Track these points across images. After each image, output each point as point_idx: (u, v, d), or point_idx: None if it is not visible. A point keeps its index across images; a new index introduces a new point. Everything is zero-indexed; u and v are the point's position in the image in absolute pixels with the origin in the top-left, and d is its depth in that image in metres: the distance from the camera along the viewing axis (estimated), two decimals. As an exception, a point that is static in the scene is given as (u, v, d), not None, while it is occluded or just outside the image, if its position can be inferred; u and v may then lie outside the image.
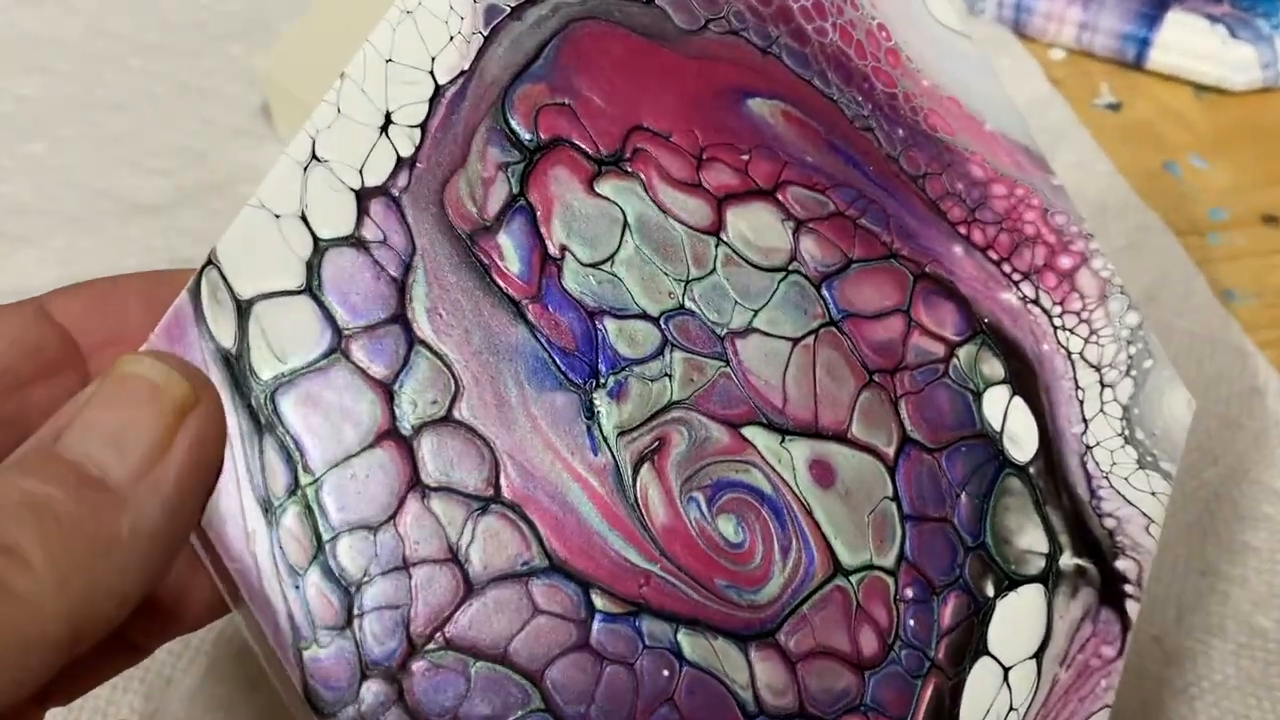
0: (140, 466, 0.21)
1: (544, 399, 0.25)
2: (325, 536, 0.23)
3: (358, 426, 0.24)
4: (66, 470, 0.21)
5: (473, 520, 0.24)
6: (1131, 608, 0.30)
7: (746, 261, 0.28)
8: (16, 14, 0.63)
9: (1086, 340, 0.32)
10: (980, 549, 0.29)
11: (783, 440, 0.28)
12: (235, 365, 0.23)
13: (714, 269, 0.28)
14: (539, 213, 0.26)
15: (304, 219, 0.24)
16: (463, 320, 0.25)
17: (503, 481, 0.25)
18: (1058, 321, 0.32)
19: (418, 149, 0.25)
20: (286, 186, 0.24)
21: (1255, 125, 0.61)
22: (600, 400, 0.26)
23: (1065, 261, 0.32)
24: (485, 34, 0.26)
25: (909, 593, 0.28)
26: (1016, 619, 0.29)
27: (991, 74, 0.33)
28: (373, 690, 0.23)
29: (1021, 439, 0.30)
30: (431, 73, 0.26)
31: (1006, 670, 0.29)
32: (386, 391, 0.24)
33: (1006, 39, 0.64)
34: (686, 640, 0.26)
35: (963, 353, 0.30)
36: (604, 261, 0.27)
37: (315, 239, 0.24)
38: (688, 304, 0.27)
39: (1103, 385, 0.32)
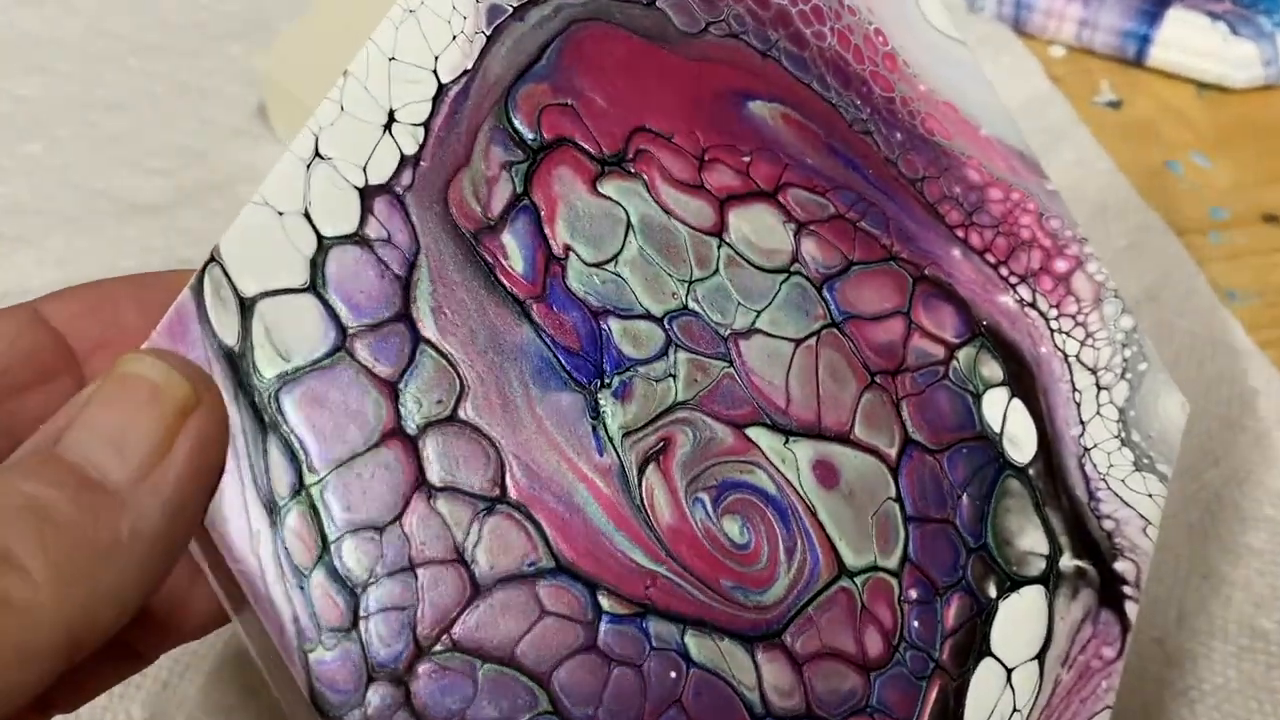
0: (140, 468, 0.21)
1: (549, 399, 0.25)
2: (330, 537, 0.23)
3: (362, 426, 0.24)
4: (66, 473, 0.20)
5: (479, 521, 0.24)
6: (1130, 609, 0.30)
7: (748, 263, 0.28)
8: (16, 14, 0.62)
9: (1082, 343, 0.32)
10: (982, 550, 0.29)
11: (787, 441, 0.28)
12: (238, 363, 0.23)
13: (717, 270, 0.28)
14: (543, 212, 0.26)
15: (307, 216, 0.24)
16: (468, 319, 0.25)
17: (508, 482, 0.25)
18: (1054, 324, 0.32)
19: (421, 147, 0.25)
20: (290, 184, 0.24)
21: (1257, 123, 0.61)
22: (605, 400, 0.26)
23: (1061, 265, 0.32)
24: (488, 33, 0.26)
25: (913, 594, 0.28)
26: (1018, 620, 0.29)
27: (986, 80, 0.33)
28: (379, 694, 0.23)
29: (1021, 441, 0.31)
30: (435, 71, 0.26)
31: (1009, 671, 0.29)
32: (391, 390, 0.24)
33: (1006, 36, 0.64)
34: (693, 641, 0.25)
35: (962, 355, 0.30)
36: (608, 261, 0.27)
37: (319, 236, 0.24)
38: (691, 304, 0.27)
39: (1099, 388, 0.32)
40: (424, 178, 0.25)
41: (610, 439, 0.26)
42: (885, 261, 0.30)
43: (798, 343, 0.28)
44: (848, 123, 0.31)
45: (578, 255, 0.26)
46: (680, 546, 0.26)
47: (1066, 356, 0.32)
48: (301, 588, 0.23)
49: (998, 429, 0.30)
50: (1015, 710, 0.29)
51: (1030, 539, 0.30)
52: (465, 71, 0.26)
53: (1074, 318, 0.32)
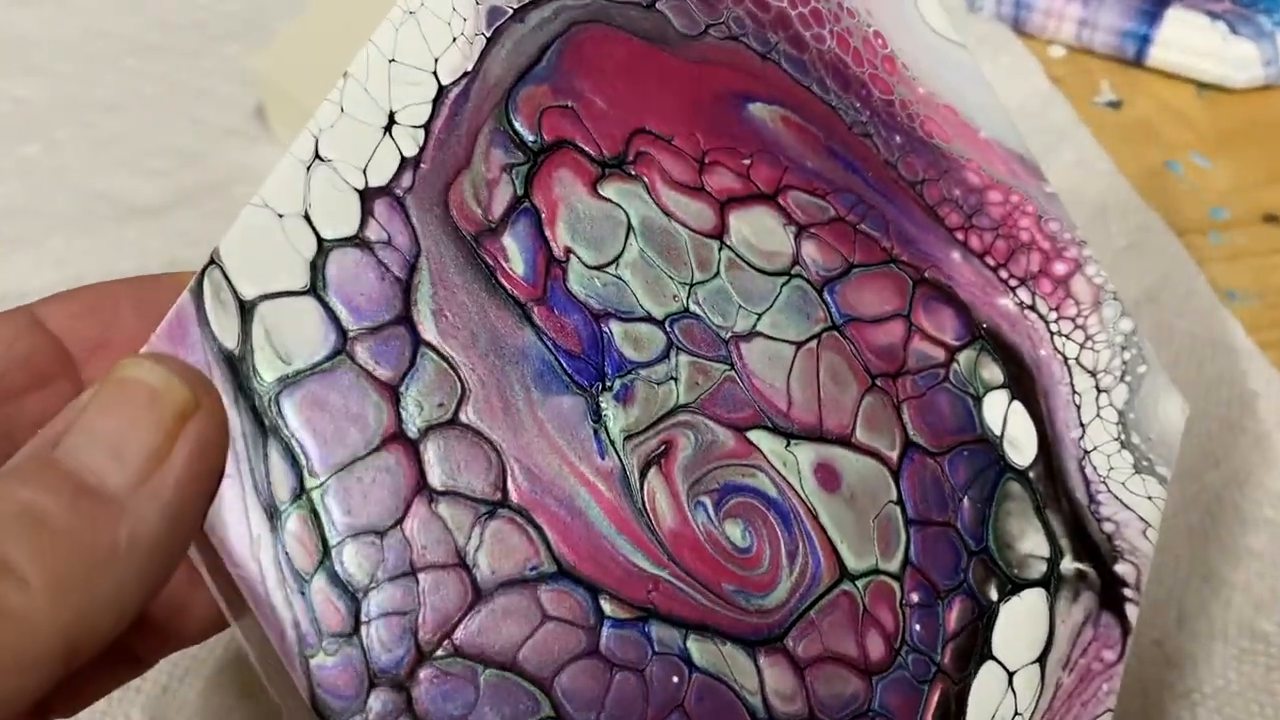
0: (139, 474, 0.21)
1: (550, 402, 0.25)
2: (331, 541, 0.23)
3: (363, 429, 0.24)
4: (63, 479, 0.20)
5: (480, 525, 0.24)
6: (1131, 611, 0.30)
7: (749, 265, 0.28)
8: (13, 14, 0.62)
9: (1082, 346, 0.32)
10: (983, 553, 0.29)
11: (788, 444, 0.27)
12: (238, 367, 0.23)
13: (717, 272, 0.28)
14: (543, 215, 0.26)
15: (307, 219, 0.24)
16: (469, 322, 0.25)
17: (510, 485, 0.24)
18: (1054, 327, 0.32)
19: (421, 149, 0.25)
20: (290, 186, 0.24)
21: (1257, 123, 0.61)
22: (607, 403, 0.26)
23: (1060, 268, 0.32)
24: (488, 35, 0.26)
25: (914, 597, 0.28)
26: (1019, 623, 0.29)
27: (985, 82, 0.33)
28: (380, 699, 0.23)
29: (1021, 443, 0.31)
30: (434, 73, 0.26)
31: (1011, 675, 0.29)
32: (392, 394, 0.24)
33: (1005, 36, 0.64)
34: (695, 646, 0.25)
35: (962, 357, 0.30)
36: (608, 264, 0.26)
37: (319, 239, 0.24)
38: (692, 307, 0.27)
39: (1099, 390, 0.32)
40: (424, 180, 0.25)
41: (612, 442, 0.26)
42: (885, 264, 0.30)
43: (799, 345, 0.28)
44: (847, 125, 0.30)
45: (578, 258, 0.26)
46: (682, 550, 0.26)
47: (1066, 359, 0.32)
48: (302, 593, 0.23)
49: (998, 432, 0.30)
50: (1017, 714, 0.29)
51: (1031, 542, 0.30)
52: (465, 73, 0.26)
53: (1073, 320, 0.32)
